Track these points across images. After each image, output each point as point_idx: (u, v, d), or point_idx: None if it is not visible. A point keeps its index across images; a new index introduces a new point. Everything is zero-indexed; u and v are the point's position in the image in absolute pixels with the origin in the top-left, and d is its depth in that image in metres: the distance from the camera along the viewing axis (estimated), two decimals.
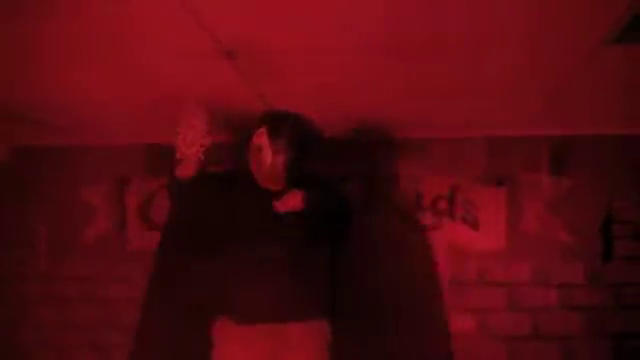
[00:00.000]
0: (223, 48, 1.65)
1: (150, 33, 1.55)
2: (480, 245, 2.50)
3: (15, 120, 2.32)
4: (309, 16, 1.46)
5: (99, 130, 2.48)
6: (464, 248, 2.51)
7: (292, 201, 1.89)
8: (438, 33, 1.56)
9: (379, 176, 2.52)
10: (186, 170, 1.85)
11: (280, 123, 2.04)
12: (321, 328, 1.93)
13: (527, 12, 1.43)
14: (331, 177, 2.26)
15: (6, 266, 2.61)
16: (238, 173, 2.09)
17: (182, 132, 1.94)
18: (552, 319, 2.50)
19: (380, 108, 2.27)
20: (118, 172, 2.56)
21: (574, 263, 2.50)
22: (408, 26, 1.53)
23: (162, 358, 2.02)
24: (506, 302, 2.50)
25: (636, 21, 1.48)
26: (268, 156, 1.95)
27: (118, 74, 1.94)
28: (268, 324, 1.89)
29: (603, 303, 2.50)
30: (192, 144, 1.98)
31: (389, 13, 1.45)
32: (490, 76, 1.96)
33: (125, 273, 2.54)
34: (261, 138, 1.97)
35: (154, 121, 2.40)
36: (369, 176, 2.51)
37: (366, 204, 2.49)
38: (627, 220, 2.51)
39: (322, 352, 1.93)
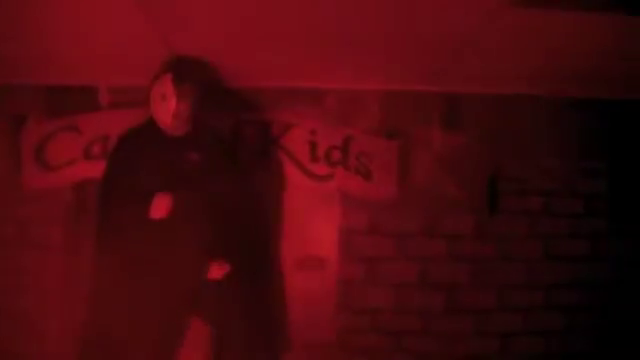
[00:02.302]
0: None
1: None
2: (372, 196, 2.57)
3: None
4: None
5: None
6: (356, 198, 2.58)
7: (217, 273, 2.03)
8: None
9: (275, 124, 2.56)
10: None
11: (184, 69, 2.08)
12: None
13: None
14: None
15: None
16: (144, 126, 2.13)
17: None
18: (439, 269, 2.60)
19: (278, 57, 2.31)
20: (14, 111, 2.54)
21: (462, 215, 2.61)
22: None
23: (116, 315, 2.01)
24: (395, 251, 2.59)
25: None
26: (173, 103, 1.99)
27: (22, 14, 1.93)
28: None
29: (488, 254, 2.61)
30: None
31: None
32: (387, 30, 2.02)
33: (20, 214, 2.53)
34: (166, 85, 2.01)
35: (55, 62, 2.39)
36: (265, 123, 2.56)
37: (261, 149, 2.54)
38: (512, 177, 2.63)
39: None
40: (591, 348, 2.60)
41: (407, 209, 2.59)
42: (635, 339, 2.59)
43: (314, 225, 2.59)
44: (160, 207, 1.95)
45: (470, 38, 2.08)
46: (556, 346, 2.60)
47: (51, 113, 2.54)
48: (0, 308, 2.53)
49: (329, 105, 2.58)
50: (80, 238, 2.52)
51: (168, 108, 2.00)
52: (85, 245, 2.48)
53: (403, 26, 2.02)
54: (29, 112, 2.54)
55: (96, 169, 2.41)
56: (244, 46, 2.22)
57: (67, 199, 2.53)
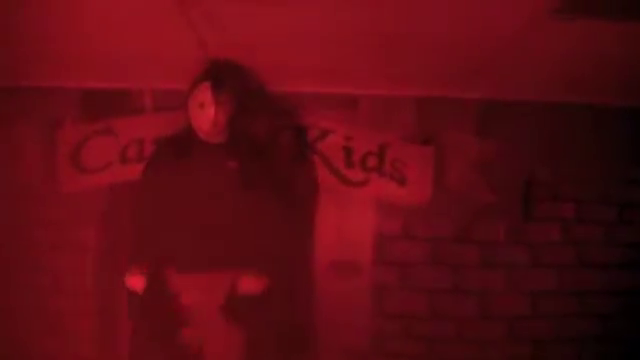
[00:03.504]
0: None
1: None
2: (406, 201, 2.57)
3: None
4: None
5: (32, 71, 2.46)
6: (391, 204, 2.58)
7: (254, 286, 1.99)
8: None
9: (311, 129, 2.56)
10: None
11: (223, 77, 2.06)
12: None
13: None
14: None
15: None
16: (182, 133, 2.12)
17: None
18: (473, 274, 2.60)
19: (315, 62, 2.31)
20: (51, 115, 2.54)
21: (495, 221, 2.60)
22: None
23: None
24: (429, 256, 2.59)
25: None
26: (211, 111, 1.97)
27: (58, 15, 1.93)
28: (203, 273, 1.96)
29: (521, 260, 2.61)
30: None
31: None
32: (425, 37, 2.01)
33: (55, 217, 2.54)
34: (204, 93, 1.99)
35: (92, 65, 2.39)
36: (301, 128, 2.56)
37: (297, 155, 2.54)
38: (546, 183, 2.62)
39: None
40: (624, 356, 2.60)
41: (441, 215, 2.59)
42: None
43: (348, 230, 2.59)
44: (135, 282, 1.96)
45: (507, 46, 2.07)
46: (589, 353, 2.60)
47: (87, 116, 2.55)
48: (34, 309, 2.54)
49: (365, 111, 2.58)
50: (115, 241, 2.54)
51: (207, 116, 1.98)
52: (119, 247, 2.51)
53: (440, 33, 2.01)
54: (65, 115, 2.54)
55: (131, 172, 2.43)
56: (282, 51, 2.21)
57: (102, 202, 2.54)
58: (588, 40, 1.99)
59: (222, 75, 2.05)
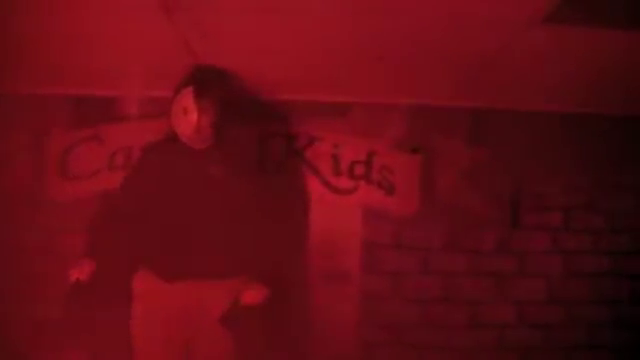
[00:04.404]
0: (160, 2, 1.66)
1: None
2: (394, 210, 2.57)
3: None
4: None
5: (21, 78, 2.46)
6: (379, 213, 2.58)
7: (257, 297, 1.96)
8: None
9: (299, 137, 2.56)
10: None
11: (206, 82, 2.04)
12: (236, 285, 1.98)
13: None
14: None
15: None
16: (167, 139, 2.11)
17: None
18: (462, 283, 2.60)
19: (304, 70, 2.31)
20: (39, 122, 2.54)
21: (484, 230, 2.61)
22: None
23: None
24: (418, 265, 2.59)
25: (568, 1, 1.56)
26: (194, 117, 1.95)
27: (46, 24, 1.92)
28: (185, 282, 1.94)
29: (510, 269, 2.61)
30: None
31: None
32: (416, 46, 2.01)
33: (44, 224, 2.53)
34: (187, 99, 1.96)
35: (80, 72, 2.39)
36: (289, 136, 2.55)
37: (284, 163, 2.54)
38: (535, 192, 2.63)
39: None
40: None
41: (430, 223, 2.59)
42: None
43: (337, 239, 2.58)
44: (81, 270, 1.95)
45: (498, 54, 2.08)
46: None
47: (75, 123, 2.55)
48: (22, 316, 2.52)
49: (354, 119, 2.58)
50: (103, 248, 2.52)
51: (189, 122, 1.94)
52: (108, 255, 2.49)
53: (431, 42, 2.02)
54: (53, 122, 2.54)
55: (119, 180, 2.41)
56: (270, 59, 2.21)
57: (90, 209, 2.52)
58: (582, 50, 2.00)
59: (205, 80, 2.01)
